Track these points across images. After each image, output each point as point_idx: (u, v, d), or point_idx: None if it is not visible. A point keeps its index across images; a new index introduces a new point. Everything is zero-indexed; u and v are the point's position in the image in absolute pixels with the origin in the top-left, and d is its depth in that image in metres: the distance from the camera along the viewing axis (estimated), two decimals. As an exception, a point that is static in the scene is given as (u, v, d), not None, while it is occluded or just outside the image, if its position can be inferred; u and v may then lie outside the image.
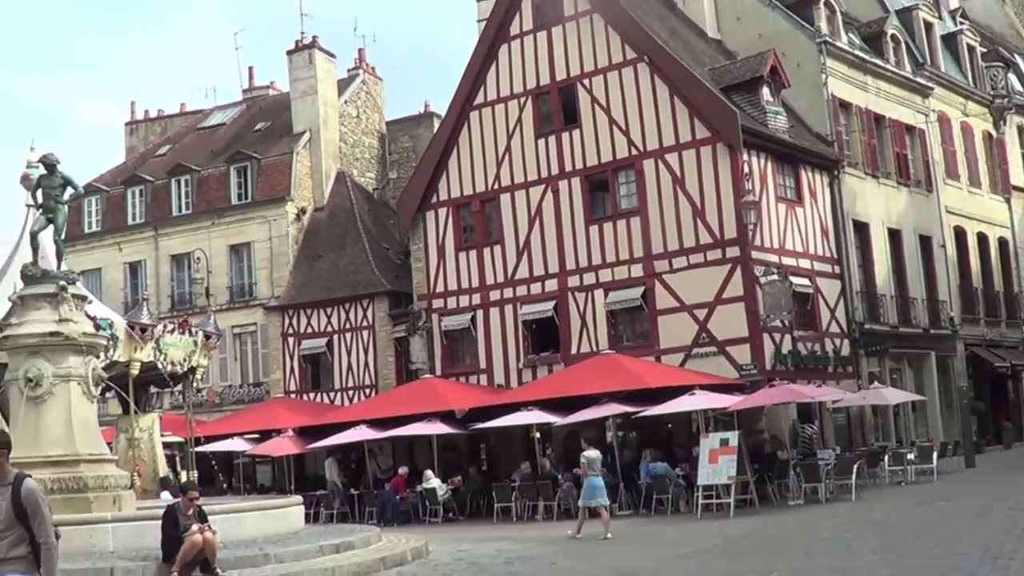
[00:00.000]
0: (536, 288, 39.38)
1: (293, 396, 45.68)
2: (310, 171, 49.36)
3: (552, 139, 39.44)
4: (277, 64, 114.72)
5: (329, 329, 45.53)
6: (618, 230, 37.63)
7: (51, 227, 20.95)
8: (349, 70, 54.91)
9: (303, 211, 48.55)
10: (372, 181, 53.35)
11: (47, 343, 19.75)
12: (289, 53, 50.92)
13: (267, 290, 47.67)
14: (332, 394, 45.28)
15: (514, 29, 40.82)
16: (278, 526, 19.64)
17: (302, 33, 51.59)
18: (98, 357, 21.07)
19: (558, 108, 39.53)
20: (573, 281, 38.40)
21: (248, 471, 45.92)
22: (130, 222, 51.32)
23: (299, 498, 23.98)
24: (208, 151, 52.56)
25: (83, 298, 21.07)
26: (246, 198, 48.92)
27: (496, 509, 32.96)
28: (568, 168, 38.88)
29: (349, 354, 45.05)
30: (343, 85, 53.19)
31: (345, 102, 52.65)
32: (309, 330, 45.99)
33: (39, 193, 20.64)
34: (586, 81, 38.67)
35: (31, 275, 20.56)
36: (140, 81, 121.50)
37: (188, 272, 49.23)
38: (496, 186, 40.70)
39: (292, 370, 46.35)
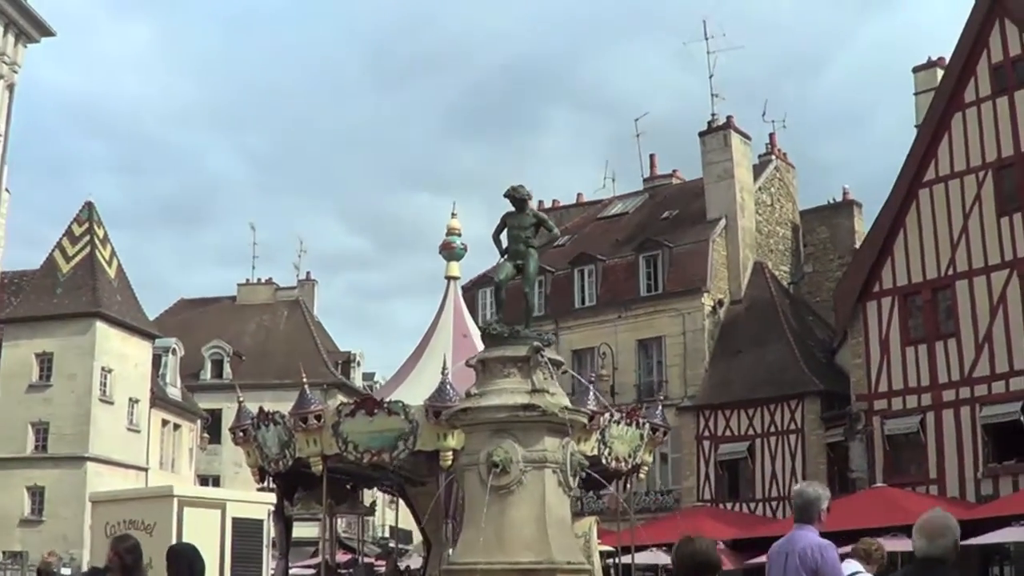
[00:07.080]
0: (999, 387, 34.62)
1: (708, 505, 41.57)
2: (726, 261, 45.89)
3: (1017, 217, 34.88)
4: (671, 153, 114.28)
5: (751, 432, 41.46)
6: (1100, 318, 32.86)
7: (518, 277, 17.02)
8: (760, 156, 51.39)
9: (720, 303, 44.93)
10: (785, 275, 49.38)
11: (518, 419, 15.89)
12: (702, 135, 47.87)
13: (679, 389, 43.93)
14: (752, 504, 41.11)
15: (969, 96, 36.62)
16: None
17: (713, 115, 48.51)
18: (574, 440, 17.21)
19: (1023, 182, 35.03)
20: (1044, 378, 33.63)
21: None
22: (530, 315, 48.57)
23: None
24: (612, 240, 49.74)
25: (558, 364, 17.29)
26: (656, 289, 45.73)
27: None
28: (1036, 249, 34.41)
29: (773, 460, 40.81)
30: (756, 171, 49.74)
31: (759, 189, 49.15)
32: (728, 433, 42.03)
33: (503, 236, 16.82)
34: (1055, 148, 34.11)
35: (496, 334, 16.65)
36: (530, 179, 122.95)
37: (591, 368, 46.11)
38: (951, 272, 36.31)
39: (707, 476, 42.44)
